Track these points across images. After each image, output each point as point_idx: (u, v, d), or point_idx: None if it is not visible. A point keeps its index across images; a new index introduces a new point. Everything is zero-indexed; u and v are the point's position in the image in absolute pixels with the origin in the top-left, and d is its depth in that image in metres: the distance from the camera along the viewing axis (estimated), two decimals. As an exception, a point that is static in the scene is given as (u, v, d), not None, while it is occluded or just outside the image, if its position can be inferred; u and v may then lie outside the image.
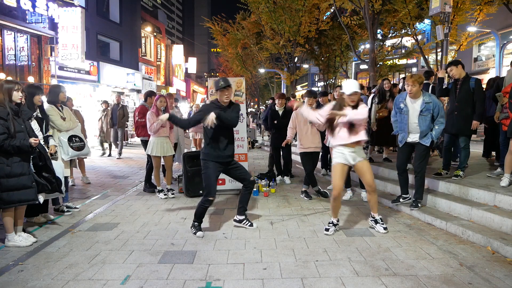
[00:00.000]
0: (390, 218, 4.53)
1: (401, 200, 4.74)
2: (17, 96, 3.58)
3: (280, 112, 6.75)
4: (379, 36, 15.69)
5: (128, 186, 6.68)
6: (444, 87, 5.15)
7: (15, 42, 12.60)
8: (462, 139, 4.92)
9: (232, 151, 4.02)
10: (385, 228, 3.97)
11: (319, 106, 7.05)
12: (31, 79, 12.25)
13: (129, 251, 3.52)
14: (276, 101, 6.88)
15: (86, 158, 6.56)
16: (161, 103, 5.61)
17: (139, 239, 3.85)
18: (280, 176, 6.99)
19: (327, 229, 3.98)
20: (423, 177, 4.50)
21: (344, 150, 3.85)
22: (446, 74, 5.23)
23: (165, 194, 5.72)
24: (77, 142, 4.87)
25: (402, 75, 18.24)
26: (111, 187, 6.61)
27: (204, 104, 4.17)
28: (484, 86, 6.18)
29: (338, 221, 4.10)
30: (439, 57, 12.67)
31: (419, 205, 4.55)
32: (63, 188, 4.27)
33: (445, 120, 5.02)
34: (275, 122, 6.75)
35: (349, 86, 3.80)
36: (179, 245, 3.67)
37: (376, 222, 4.04)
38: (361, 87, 9.07)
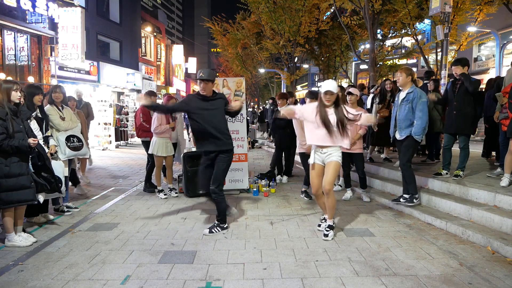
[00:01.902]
0: (390, 218, 4.53)
1: (401, 200, 4.73)
2: (16, 96, 3.58)
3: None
4: (379, 36, 15.68)
5: (128, 186, 6.68)
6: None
7: (15, 42, 12.61)
8: (461, 139, 4.92)
9: (214, 146, 3.98)
10: (325, 235, 3.78)
11: None
12: (31, 79, 12.26)
13: (129, 251, 3.52)
14: (278, 102, 6.88)
15: (88, 158, 6.54)
16: None
17: (139, 239, 3.85)
18: (279, 176, 7.00)
19: (319, 225, 4.06)
20: (408, 172, 4.53)
21: (318, 149, 3.83)
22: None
23: (165, 194, 5.72)
24: (75, 142, 4.85)
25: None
26: (111, 187, 6.61)
27: (188, 95, 4.11)
28: (484, 86, 6.18)
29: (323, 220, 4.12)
30: (439, 57, 12.67)
31: (414, 201, 4.56)
32: (63, 188, 4.27)
33: (445, 120, 5.04)
34: (275, 122, 6.79)
35: (325, 85, 3.73)
36: (179, 245, 3.66)
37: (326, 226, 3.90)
38: (362, 87, 9.10)
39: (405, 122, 4.43)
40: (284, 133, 6.64)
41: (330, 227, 3.87)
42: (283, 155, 7.08)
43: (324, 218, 4.05)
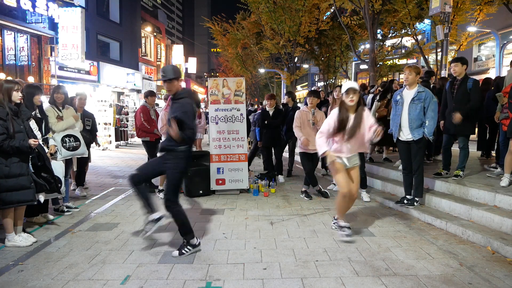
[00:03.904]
0: (390, 218, 4.53)
1: (405, 201, 4.71)
2: (17, 96, 3.58)
3: (271, 113, 6.80)
4: (379, 36, 15.69)
5: (128, 186, 6.66)
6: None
7: (15, 42, 12.62)
8: (461, 139, 4.93)
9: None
10: (347, 235, 3.74)
11: (322, 104, 7.10)
12: (31, 79, 12.26)
13: (129, 251, 3.52)
14: (267, 102, 6.94)
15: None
16: None
17: (139, 239, 3.84)
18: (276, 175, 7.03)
19: (348, 235, 3.74)
20: (421, 176, 4.50)
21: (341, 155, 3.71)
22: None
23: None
24: (71, 143, 4.83)
25: (402, 75, 18.23)
26: (111, 187, 6.61)
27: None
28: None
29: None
30: (439, 57, 12.67)
31: (415, 203, 4.56)
32: (63, 188, 4.27)
33: (444, 121, 5.03)
34: (266, 122, 6.83)
35: (346, 84, 3.67)
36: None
37: (340, 227, 3.84)
38: (364, 87, 9.11)
39: (416, 122, 4.32)
40: (272, 133, 6.72)
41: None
42: (271, 153, 7.09)
43: (344, 226, 3.83)
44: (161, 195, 5.69)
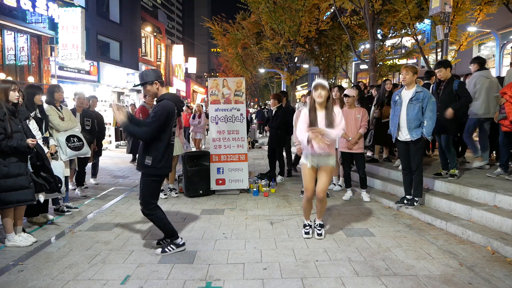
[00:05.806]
0: (390, 218, 4.53)
1: (405, 201, 4.71)
2: (14, 96, 3.57)
3: (273, 113, 6.85)
4: (379, 36, 15.66)
5: (128, 186, 6.68)
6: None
7: (15, 42, 12.61)
8: (443, 138, 4.95)
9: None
10: (320, 235, 3.80)
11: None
12: (31, 79, 12.25)
13: (129, 251, 3.52)
14: (270, 102, 7.02)
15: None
16: None
17: (139, 239, 3.85)
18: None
19: (307, 233, 3.85)
20: (421, 175, 4.50)
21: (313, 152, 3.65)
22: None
23: (165, 194, 5.72)
24: (75, 142, 4.86)
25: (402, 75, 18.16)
26: (111, 187, 6.61)
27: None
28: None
29: (312, 221, 4.00)
30: (439, 57, 12.66)
31: (414, 203, 4.56)
32: (63, 188, 4.27)
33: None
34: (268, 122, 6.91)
35: (315, 81, 3.66)
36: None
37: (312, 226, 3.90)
38: (364, 87, 9.13)
39: (415, 122, 4.31)
40: (275, 133, 6.74)
41: (321, 225, 3.88)
42: (274, 154, 7.11)
43: (306, 224, 3.91)
44: (161, 195, 5.68)
